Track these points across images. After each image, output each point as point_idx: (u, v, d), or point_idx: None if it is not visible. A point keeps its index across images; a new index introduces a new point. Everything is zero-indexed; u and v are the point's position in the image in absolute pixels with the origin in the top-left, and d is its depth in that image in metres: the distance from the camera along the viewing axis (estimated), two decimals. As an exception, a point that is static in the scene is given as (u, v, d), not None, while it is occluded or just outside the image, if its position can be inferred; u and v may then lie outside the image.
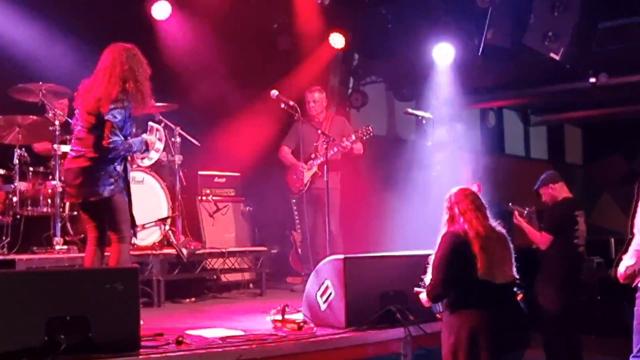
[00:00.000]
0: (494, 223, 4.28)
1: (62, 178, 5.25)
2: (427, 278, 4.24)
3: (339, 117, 7.77)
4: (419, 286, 4.61)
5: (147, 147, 5.27)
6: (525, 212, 6.50)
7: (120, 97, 4.87)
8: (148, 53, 5.21)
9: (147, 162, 5.77)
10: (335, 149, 7.26)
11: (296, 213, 7.78)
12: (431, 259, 4.23)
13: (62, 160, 6.44)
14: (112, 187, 4.94)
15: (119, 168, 5.00)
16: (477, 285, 4.07)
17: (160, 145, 5.45)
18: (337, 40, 9.25)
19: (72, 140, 5.11)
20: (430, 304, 4.36)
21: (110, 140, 4.84)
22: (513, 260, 4.23)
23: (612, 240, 9.27)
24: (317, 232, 7.75)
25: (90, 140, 4.93)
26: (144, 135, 5.34)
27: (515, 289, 4.26)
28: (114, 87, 4.89)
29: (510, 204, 6.51)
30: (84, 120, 5.00)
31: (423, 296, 4.34)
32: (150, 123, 5.52)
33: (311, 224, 7.64)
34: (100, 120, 4.88)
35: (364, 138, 7.44)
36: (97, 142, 4.89)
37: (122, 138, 4.93)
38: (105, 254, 5.20)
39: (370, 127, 7.44)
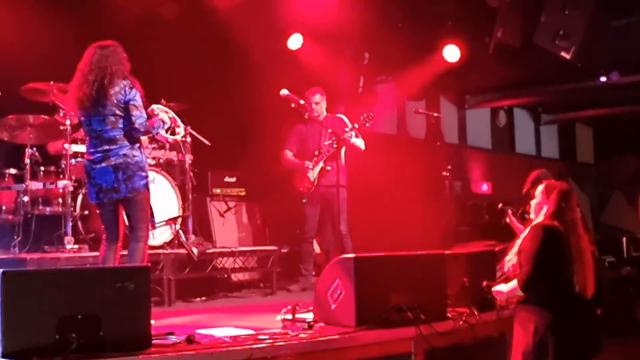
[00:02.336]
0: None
1: (88, 179, 5.19)
2: (507, 267, 4.36)
3: (336, 116, 7.69)
4: (491, 279, 4.74)
5: (163, 124, 5.28)
6: (520, 210, 6.47)
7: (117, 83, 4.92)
8: (158, 55, 5.21)
9: (177, 136, 5.70)
10: (337, 139, 7.16)
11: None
12: (514, 249, 4.34)
13: (72, 160, 6.47)
14: (145, 181, 5.02)
15: (145, 159, 5.06)
16: (563, 287, 4.19)
17: (168, 120, 5.41)
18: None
19: (92, 141, 5.02)
20: (506, 299, 4.56)
21: (137, 119, 4.89)
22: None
23: (624, 239, 9.15)
24: (325, 231, 7.70)
25: (118, 137, 4.94)
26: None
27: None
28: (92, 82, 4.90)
29: (500, 205, 6.49)
30: (102, 118, 4.96)
31: (503, 287, 4.47)
32: (153, 106, 5.43)
33: (315, 223, 7.60)
34: (123, 109, 4.92)
35: (367, 124, 7.34)
36: (125, 136, 4.94)
37: (146, 116, 4.97)
38: (121, 253, 5.21)
39: (371, 113, 7.35)
